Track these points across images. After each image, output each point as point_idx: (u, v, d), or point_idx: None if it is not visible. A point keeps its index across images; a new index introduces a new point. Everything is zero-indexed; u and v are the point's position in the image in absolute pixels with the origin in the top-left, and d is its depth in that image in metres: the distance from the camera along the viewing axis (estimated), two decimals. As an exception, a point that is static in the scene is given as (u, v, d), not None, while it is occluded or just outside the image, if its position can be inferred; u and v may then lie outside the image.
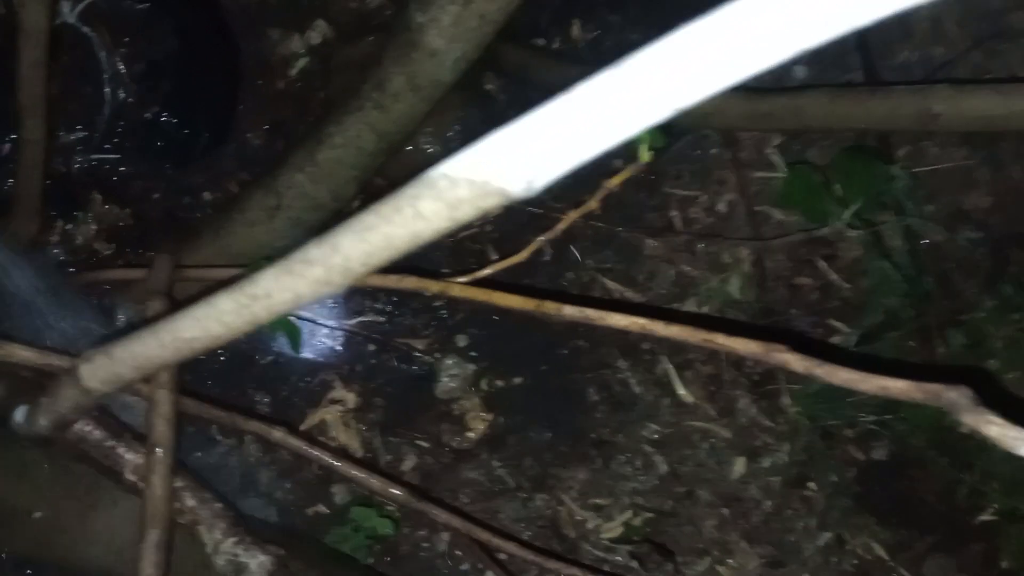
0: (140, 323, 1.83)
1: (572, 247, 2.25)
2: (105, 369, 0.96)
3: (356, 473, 1.49)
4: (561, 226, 1.32)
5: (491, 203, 0.63)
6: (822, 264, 2.22)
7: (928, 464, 2.15)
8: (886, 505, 2.15)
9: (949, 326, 2.16)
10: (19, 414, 1.24)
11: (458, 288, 1.31)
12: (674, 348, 2.17)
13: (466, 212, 0.64)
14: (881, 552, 2.11)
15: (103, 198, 2.18)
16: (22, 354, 1.37)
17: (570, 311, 1.16)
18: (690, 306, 2.21)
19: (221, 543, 1.48)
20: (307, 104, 2.38)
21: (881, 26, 0.60)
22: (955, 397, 0.82)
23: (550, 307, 1.18)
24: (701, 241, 2.25)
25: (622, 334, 2.18)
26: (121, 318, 1.85)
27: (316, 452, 1.48)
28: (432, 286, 1.33)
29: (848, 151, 1.87)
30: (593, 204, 1.32)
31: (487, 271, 1.34)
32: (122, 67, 2.28)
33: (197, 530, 1.48)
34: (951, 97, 1.51)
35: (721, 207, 2.28)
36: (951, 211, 2.21)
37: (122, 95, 2.27)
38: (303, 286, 0.71)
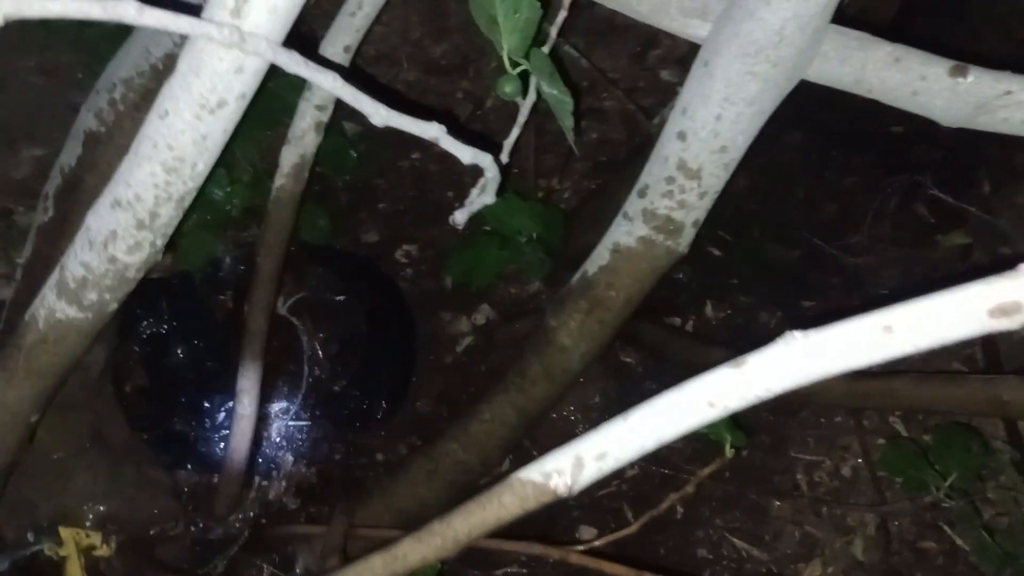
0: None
1: (702, 507, 2.44)
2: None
3: None
4: (662, 507, 1.58)
5: (547, 500, 0.91)
6: (947, 529, 2.30)
7: None
8: None
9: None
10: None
11: (575, 556, 1.58)
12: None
13: (531, 504, 0.92)
14: None
15: (294, 459, 2.59)
16: None
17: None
18: (815, 567, 2.32)
19: None
20: (470, 376, 2.76)
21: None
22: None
23: (652, 581, 1.41)
24: (826, 504, 2.39)
25: None
26: (300, 566, 2.18)
27: None
28: (553, 553, 1.60)
29: (947, 426, 2.03)
30: (690, 490, 1.59)
31: (601, 541, 1.60)
32: (319, 349, 2.76)
33: None
34: (1018, 387, 1.69)
35: (845, 471, 2.44)
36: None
37: (317, 371, 2.73)
38: (428, 551, 1.00)
